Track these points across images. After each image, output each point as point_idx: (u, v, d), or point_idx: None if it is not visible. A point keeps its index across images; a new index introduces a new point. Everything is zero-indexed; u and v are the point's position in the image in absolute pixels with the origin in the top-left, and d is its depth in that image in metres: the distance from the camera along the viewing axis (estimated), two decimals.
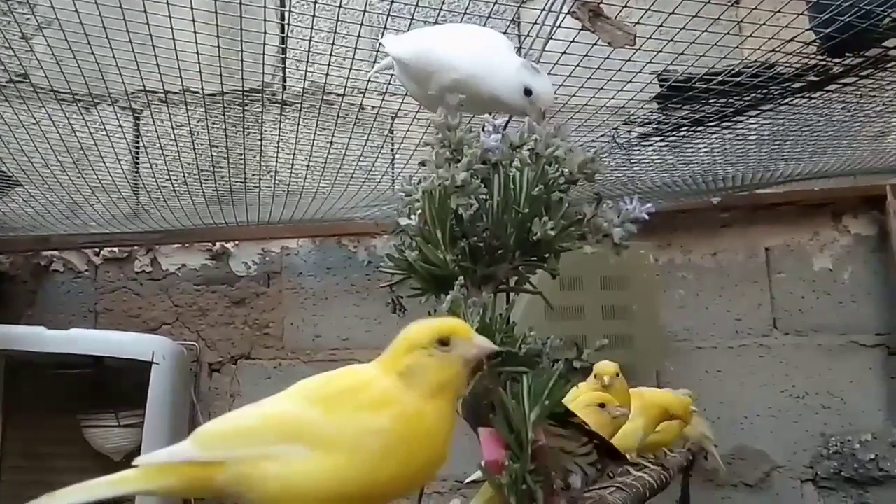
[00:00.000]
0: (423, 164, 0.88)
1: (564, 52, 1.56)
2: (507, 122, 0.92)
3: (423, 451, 0.65)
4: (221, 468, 0.63)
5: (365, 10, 1.51)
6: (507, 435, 0.78)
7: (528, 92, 1.00)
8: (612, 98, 1.78)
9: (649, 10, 1.43)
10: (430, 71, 1.05)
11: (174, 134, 1.99)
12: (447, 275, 0.83)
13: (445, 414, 0.66)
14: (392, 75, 1.29)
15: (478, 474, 0.87)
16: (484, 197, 0.85)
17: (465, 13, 1.47)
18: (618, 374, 1.32)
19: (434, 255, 0.83)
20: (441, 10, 1.47)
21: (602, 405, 1.20)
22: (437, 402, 0.66)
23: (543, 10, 1.32)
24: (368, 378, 0.67)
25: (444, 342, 0.67)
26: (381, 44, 1.18)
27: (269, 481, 0.62)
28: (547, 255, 0.87)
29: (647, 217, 0.85)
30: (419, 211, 0.84)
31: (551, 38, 1.44)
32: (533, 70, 1.02)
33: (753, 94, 1.78)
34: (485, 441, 0.80)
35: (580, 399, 1.20)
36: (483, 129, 0.88)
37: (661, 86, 1.78)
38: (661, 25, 1.48)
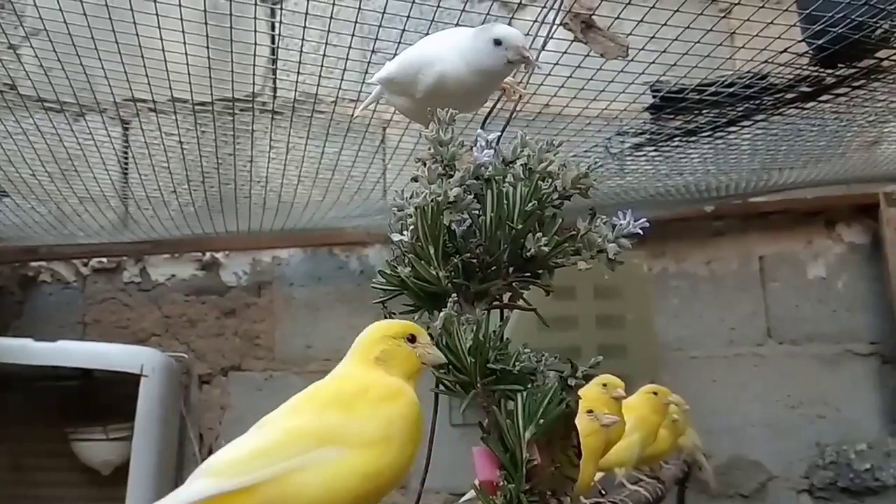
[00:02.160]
0: (415, 179, 0.87)
1: (557, 63, 1.55)
2: (500, 136, 0.91)
3: (422, 429, 0.73)
4: (250, 493, 0.63)
5: (356, 21, 1.50)
6: (501, 454, 0.77)
7: (497, 42, 0.99)
8: (605, 108, 1.77)
9: (641, 21, 1.43)
10: (413, 74, 1.06)
11: (163, 143, 1.97)
12: (440, 291, 0.82)
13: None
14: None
15: (471, 494, 0.87)
16: (477, 213, 0.84)
17: (457, 24, 1.45)
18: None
19: (426, 272, 0.82)
20: (433, 21, 1.46)
21: (589, 411, 1.12)
22: (412, 388, 0.74)
23: (535, 21, 1.31)
24: (364, 377, 0.73)
25: (412, 339, 0.75)
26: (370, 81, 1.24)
27: (310, 489, 0.64)
28: (541, 271, 0.86)
29: (641, 232, 0.85)
30: (411, 227, 0.83)
31: (544, 49, 1.43)
32: (488, 25, 1.04)
33: (746, 105, 1.77)
34: (479, 460, 0.79)
35: None
36: (475, 144, 0.87)
37: (654, 96, 1.77)
38: (653, 37, 1.48)
